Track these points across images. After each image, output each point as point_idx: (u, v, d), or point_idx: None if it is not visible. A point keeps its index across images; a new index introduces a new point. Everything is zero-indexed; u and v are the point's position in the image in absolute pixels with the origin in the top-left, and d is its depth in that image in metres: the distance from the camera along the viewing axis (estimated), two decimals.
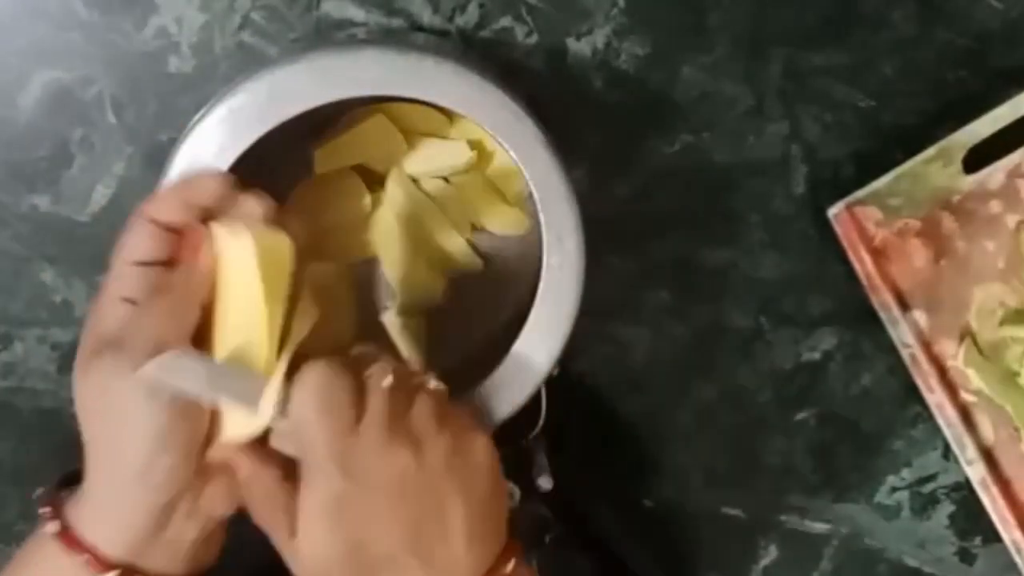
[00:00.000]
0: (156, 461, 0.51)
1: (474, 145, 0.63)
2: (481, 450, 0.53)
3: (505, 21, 0.65)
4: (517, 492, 0.62)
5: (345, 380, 0.52)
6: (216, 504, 0.53)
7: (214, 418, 0.52)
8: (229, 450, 0.52)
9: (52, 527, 0.52)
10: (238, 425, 0.52)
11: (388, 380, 0.52)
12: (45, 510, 0.53)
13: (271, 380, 0.52)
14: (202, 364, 0.51)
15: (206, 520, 0.53)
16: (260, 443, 0.53)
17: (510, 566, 0.53)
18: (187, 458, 0.51)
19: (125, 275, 0.53)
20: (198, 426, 0.51)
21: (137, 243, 0.53)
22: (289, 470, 0.52)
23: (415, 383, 0.54)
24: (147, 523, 0.52)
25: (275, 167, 0.59)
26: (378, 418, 0.51)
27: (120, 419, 0.51)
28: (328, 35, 0.65)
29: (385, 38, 0.65)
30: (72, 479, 0.54)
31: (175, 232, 0.53)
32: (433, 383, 0.54)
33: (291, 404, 0.51)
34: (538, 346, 0.59)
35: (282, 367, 0.52)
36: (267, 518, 0.52)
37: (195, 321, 0.52)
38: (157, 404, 0.50)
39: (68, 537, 0.52)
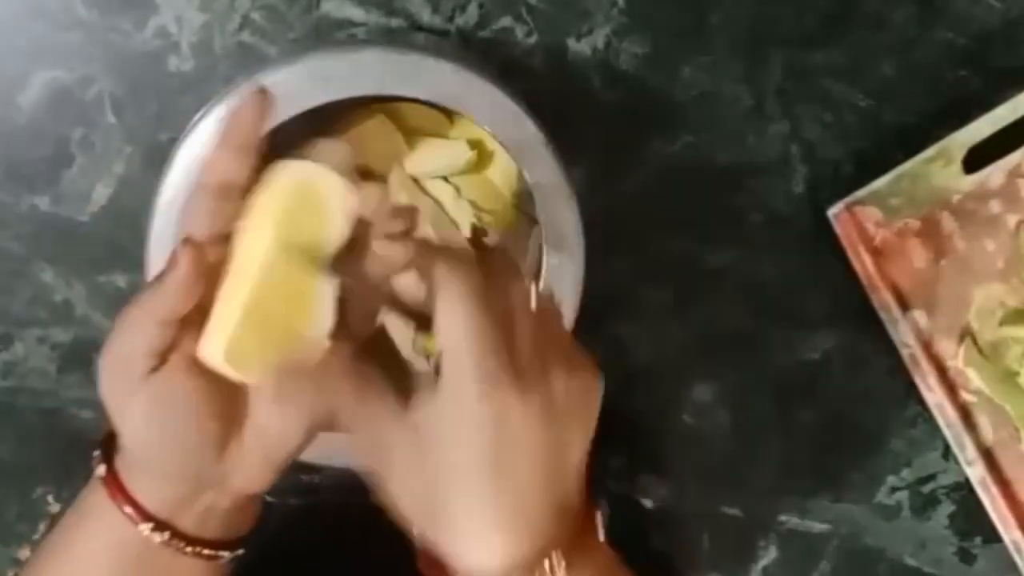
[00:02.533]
0: (160, 462, 0.52)
1: (474, 145, 0.63)
2: (597, 386, 0.52)
3: (505, 21, 0.65)
4: None
5: (495, 291, 0.50)
6: (247, 483, 0.54)
7: (234, 403, 0.53)
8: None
9: (100, 470, 0.54)
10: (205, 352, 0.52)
11: (533, 302, 0.51)
12: (96, 453, 0.54)
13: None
14: None
15: (238, 495, 0.54)
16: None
17: (599, 511, 0.53)
18: (186, 456, 0.52)
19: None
20: (188, 424, 0.51)
21: (193, 217, 0.53)
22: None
23: (554, 312, 0.53)
24: (177, 493, 0.53)
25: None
26: (530, 343, 0.50)
27: (114, 420, 0.52)
28: (328, 35, 0.65)
29: (385, 38, 0.65)
30: None
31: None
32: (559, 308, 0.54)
33: (441, 295, 0.50)
34: None
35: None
36: (371, 403, 0.51)
37: (168, 335, 0.51)
38: (139, 406, 0.51)
39: (112, 482, 0.53)
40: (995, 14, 0.66)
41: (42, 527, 0.69)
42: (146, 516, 0.53)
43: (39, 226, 0.66)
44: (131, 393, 0.51)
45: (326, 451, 0.61)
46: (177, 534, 0.53)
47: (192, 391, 0.51)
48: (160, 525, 0.53)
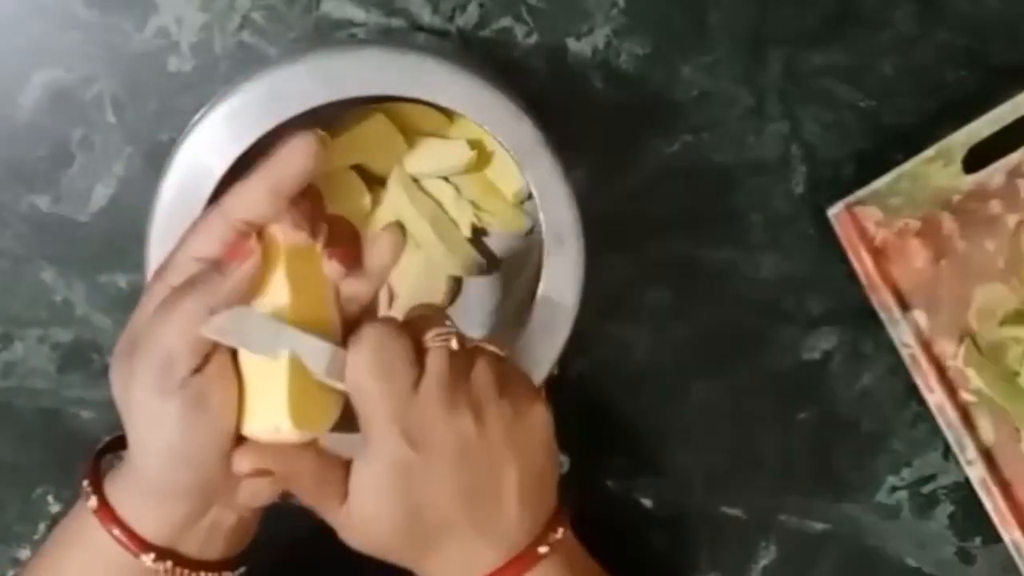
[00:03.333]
0: (173, 476, 0.50)
1: (474, 145, 0.63)
2: (539, 417, 0.52)
3: (505, 21, 0.65)
4: (567, 461, 0.61)
5: (402, 341, 0.50)
6: (254, 497, 0.52)
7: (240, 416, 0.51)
8: (258, 453, 0.51)
9: (92, 503, 0.52)
10: (264, 427, 0.51)
11: (453, 343, 0.51)
12: (85, 483, 0.52)
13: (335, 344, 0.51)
14: (269, 322, 0.50)
15: (243, 510, 0.53)
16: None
17: (559, 533, 0.53)
18: (205, 470, 0.50)
19: (182, 268, 0.50)
20: (214, 437, 0.50)
21: (204, 240, 0.50)
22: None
23: (474, 347, 0.53)
24: (184, 514, 0.51)
25: None
26: (438, 380, 0.50)
27: (137, 426, 0.50)
28: (328, 35, 0.65)
29: (385, 38, 0.65)
30: (113, 445, 0.54)
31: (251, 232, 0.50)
32: (492, 348, 0.53)
33: (348, 366, 0.50)
34: (538, 346, 0.59)
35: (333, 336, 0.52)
36: (314, 495, 0.52)
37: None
38: (168, 418, 0.49)
39: (106, 514, 0.51)
40: (995, 14, 0.66)
41: (42, 527, 0.69)
42: (146, 547, 0.51)
43: (39, 226, 0.66)
44: (168, 393, 0.48)
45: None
46: (179, 560, 0.52)
47: (226, 404, 0.50)
48: (161, 554, 0.51)
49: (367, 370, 0.50)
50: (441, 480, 0.50)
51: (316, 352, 0.50)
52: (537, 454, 0.52)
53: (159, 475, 0.50)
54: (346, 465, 0.52)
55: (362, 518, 0.51)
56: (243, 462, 0.50)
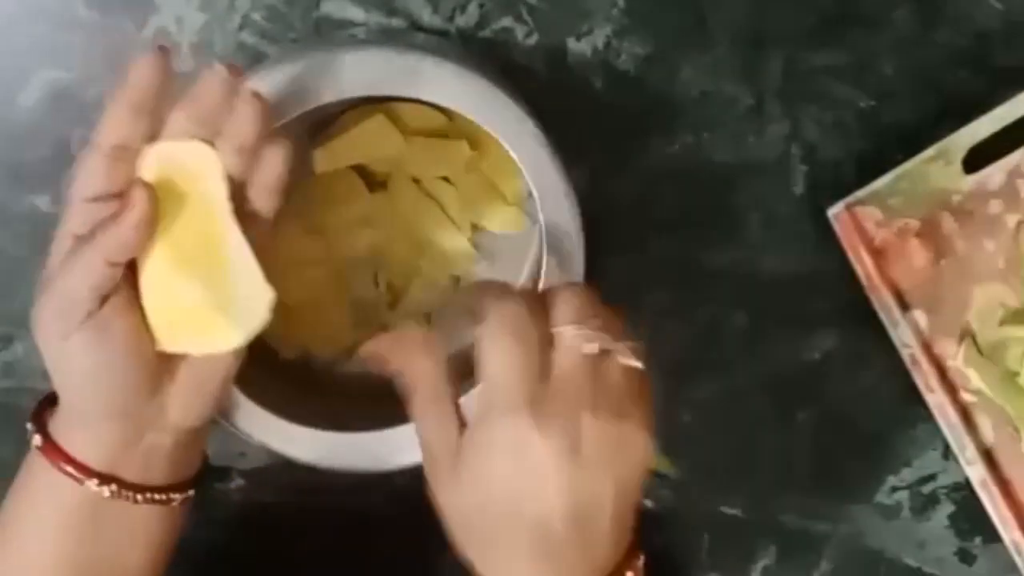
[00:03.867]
0: (96, 401, 0.52)
1: (474, 145, 0.63)
2: (645, 441, 0.51)
3: (505, 21, 0.65)
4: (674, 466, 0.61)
5: (536, 329, 0.50)
6: (184, 415, 0.54)
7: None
8: (389, 339, 0.53)
9: (36, 440, 0.54)
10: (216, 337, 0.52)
11: (592, 347, 0.50)
12: (30, 425, 0.55)
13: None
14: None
15: (179, 431, 0.54)
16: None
17: (640, 561, 0.53)
18: (123, 390, 0.52)
19: (76, 211, 0.52)
20: (122, 360, 0.52)
21: (85, 178, 0.52)
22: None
23: (612, 353, 0.51)
24: (118, 438, 0.53)
25: None
26: (571, 378, 0.49)
27: (54, 364, 0.53)
28: (328, 35, 0.65)
29: (385, 38, 0.65)
30: (55, 396, 0.55)
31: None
32: (632, 361, 0.51)
33: (482, 338, 0.50)
34: None
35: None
36: (430, 410, 0.52)
37: (116, 275, 0.51)
38: (76, 352, 0.51)
39: (50, 449, 0.54)
40: (995, 14, 0.66)
41: None
42: (89, 472, 0.53)
43: (39, 226, 0.66)
44: (69, 334, 0.51)
45: (327, 453, 0.61)
46: (124, 484, 0.53)
47: (130, 330, 0.52)
48: (105, 479, 0.53)
49: (505, 338, 0.49)
50: (548, 471, 0.49)
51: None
52: (635, 477, 0.51)
53: (83, 403, 0.53)
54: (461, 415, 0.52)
55: (470, 472, 0.50)
56: (366, 348, 0.53)
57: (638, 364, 0.51)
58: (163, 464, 0.55)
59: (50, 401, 0.55)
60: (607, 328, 0.51)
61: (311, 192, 0.64)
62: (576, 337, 0.50)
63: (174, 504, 0.55)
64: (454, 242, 0.65)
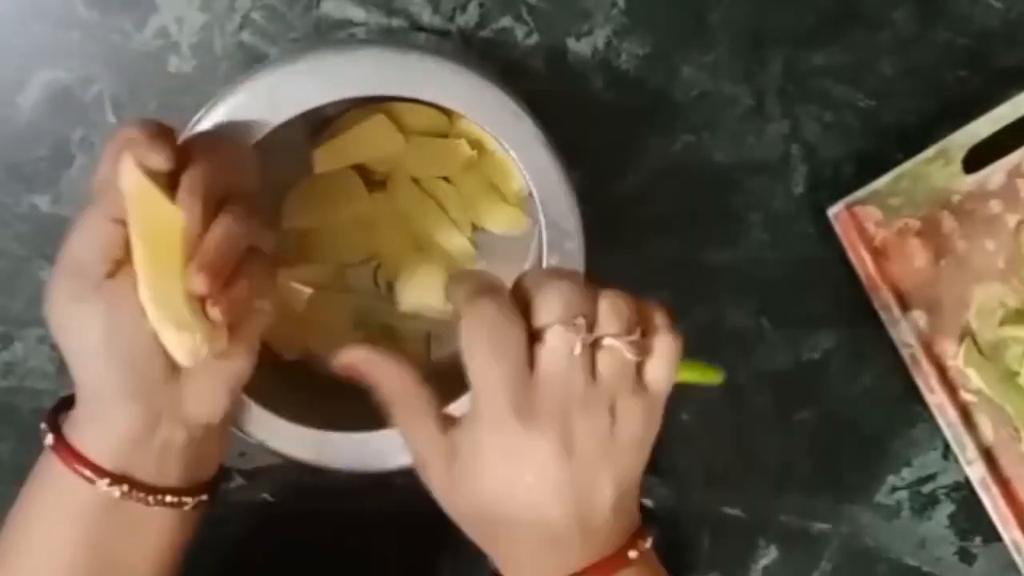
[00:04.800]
0: (110, 376, 0.51)
1: (474, 145, 0.63)
2: (648, 423, 0.52)
3: (505, 21, 0.65)
4: (722, 372, 0.59)
5: (517, 328, 0.49)
6: (199, 406, 0.53)
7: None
8: (361, 353, 0.52)
9: (49, 439, 0.53)
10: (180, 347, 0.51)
11: (577, 347, 0.50)
12: (43, 424, 0.54)
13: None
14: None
15: (193, 426, 0.53)
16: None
17: (647, 543, 0.53)
18: (139, 366, 0.51)
19: (104, 195, 0.52)
20: (140, 334, 0.50)
21: (107, 164, 0.52)
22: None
23: (601, 339, 0.51)
24: (131, 430, 0.52)
25: (275, 167, 0.59)
26: (555, 370, 0.49)
27: (68, 335, 0.52)
28: (328, 35, 0.65)
29: (385, 38, 0.65)
30: (69, 401, 0.55)
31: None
32: (621, 343, 0.50)
33: (463, 334, 0.50)
34: None
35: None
36: (411, 419, 0.52)
37: (119, 234, 0.51)
38: (92, 318, 0.51)
39: (62, 447, 0.53)
40: (995, 14, 0.66)
41: None
42: (101, 471, 0.52)
43: (39, 226, 0.66)
44: (83, 300, 0.51)
45: (327, 453, 0.61)
46: (136, 484, 0.52)
47: (140, 303, 0.51)
48: (117, 479, 0.52)
49: (482, 346, 0.49)
50: (543, 465, 0.50)
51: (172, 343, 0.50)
52: (635, 464, 0.52)
53: (97, 377, 0.52)
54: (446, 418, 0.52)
55: (464, 475, 0.51)
56: (338, 359, 0.52)
57: (631, 357, 0.50)
58: (177, 463, 0.54)
59: (65, 404, 0.55)
60: (597, 319, 0.50)
61: (311, 192, 0.64)
62: (560, 336, 0.50)
63: (187, 508, 0.54)
64: (454, 242, 0.65)
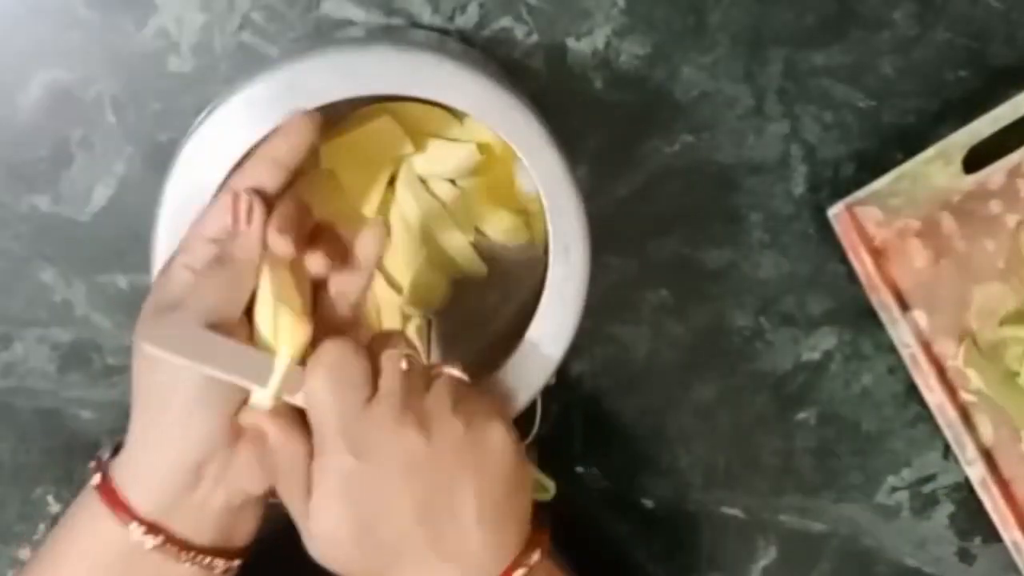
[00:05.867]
0: (194, 414, 0.52)
1: (482, 149, 0.63)
2: (496, 436, 0.53)
3: (505, 21, 0.65)
4: (552, 485, 0.61)
5: (359, 359, 0.52)
6: (244, 475, 0.53)
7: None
8: (259, 416, 0.53)
9: (95, 479, 0.54)
10: (259, 394, 0.53)
11: (403, 364, 0.52)
12: (92, 464, 0.54)
13: (278, 361, 0.52)
14: (207, 340, 0.51)
15: (235, 490, 0.54)
16: (296, 413, 0.53)
17: (534, 557, 0.53)
18: (222, 416, 0.52)
19: (194, 248, 0.54)
20: (236, 389, 0.52)
21: (216, 218, 0.54)
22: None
23: (433, 368, 0.54)
24: (176, 481, 0.52)
25: None
26: (389, 397, 0.52)
27: (167, 374, 0.52)
28: (328, 35, 0.65)
29: (385, 36, 0.65)
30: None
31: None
32: (453, 371, 0.54)
33: (306, 378, 0.52)
34: (538, 357, 0.59)
35: (287, 351, 0.52)
36: (286, 489, 0.53)
37: (249, 291, 0.53)
38: (192, 383, 0.51)
39: (105, 489, 0.53)
40: (995, 14, 0.66)
41: (42, 527, 0.69)
42: (138, 519, 0.52)
43: (39, 226, 0.66)
44: (181, 352, 0.51)
45: None
46: (170, 538, 0.53)
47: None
48: (153, 528, 0.52)
49: (322, 384, 0.52)
50: (390, 493, 0.51)
51: (260, 369, 0.52)
52: (496, 471, 0.52)
53: (161, 431, 0.53)
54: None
55: (320, 529, 0.52)
56: (243, 417, 0.53)
57: (462, 375, 0.54)
58: (213, 526, 0.54)
59: (115, 450, 0.55)
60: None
61: (314, 190, 0.64)
62: (391, 356, 0.53)
63: (216, 572, 0.54)
64: (457, 244, 0.65)
